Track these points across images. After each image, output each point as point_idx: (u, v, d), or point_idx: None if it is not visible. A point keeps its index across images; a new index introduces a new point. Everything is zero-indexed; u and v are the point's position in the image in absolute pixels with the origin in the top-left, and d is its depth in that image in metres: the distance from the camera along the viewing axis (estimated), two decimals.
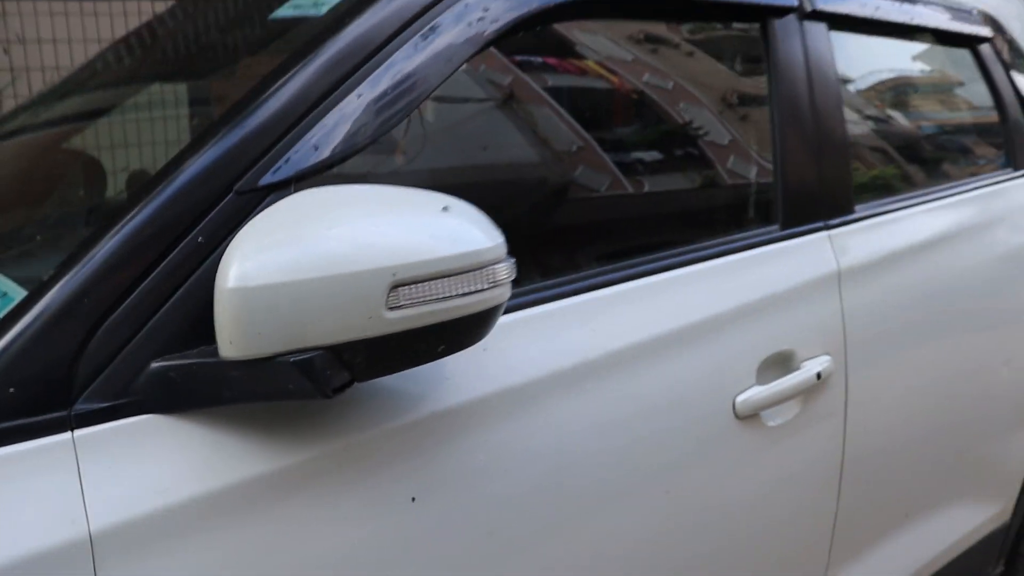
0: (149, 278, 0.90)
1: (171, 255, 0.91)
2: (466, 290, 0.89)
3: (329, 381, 0.84)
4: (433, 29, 1.07)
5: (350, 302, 0.84)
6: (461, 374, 1.05)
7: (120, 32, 3.77)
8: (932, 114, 2.10)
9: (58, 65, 3.71)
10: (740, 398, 1.29)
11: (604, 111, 1.57)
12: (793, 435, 1.39)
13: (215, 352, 0.86)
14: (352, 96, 1.02)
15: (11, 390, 0.83)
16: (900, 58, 1.96)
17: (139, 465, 0.86)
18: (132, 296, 0.89)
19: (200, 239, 0.92)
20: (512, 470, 1.06)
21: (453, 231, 0.90)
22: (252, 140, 0.98)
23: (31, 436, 0.83)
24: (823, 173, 1.51)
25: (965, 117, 2.16)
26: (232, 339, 0.84)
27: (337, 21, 1.06)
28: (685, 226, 1.47)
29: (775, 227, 1.45)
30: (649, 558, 1.22)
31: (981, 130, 2.12)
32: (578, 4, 1.24)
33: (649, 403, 1.19)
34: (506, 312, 1.09)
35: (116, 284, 0.89)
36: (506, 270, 0.93)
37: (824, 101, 1.53)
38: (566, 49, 1.44)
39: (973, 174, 1.96)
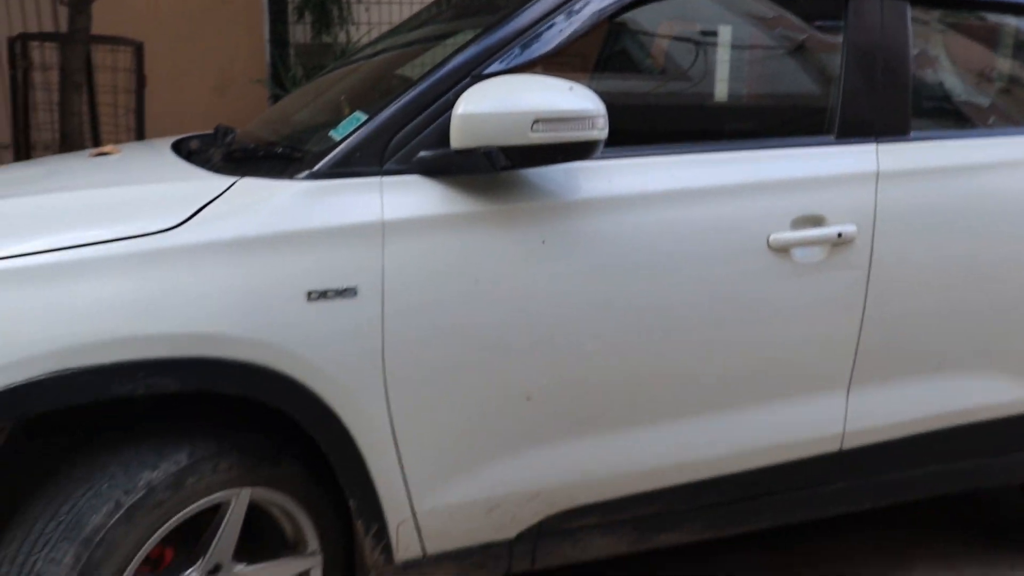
0: (424, 112, 1.82)
1: (437, 102, 1.83)
2: (574, 129, 1.73)
3: (499, 162, 1.72)
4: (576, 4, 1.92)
5: (512, 126, 1.71)
6: (584, 185, 1.89)
7: None
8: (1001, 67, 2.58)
9: (391, 20, 4.93)
10: (773, 236, 2.01)
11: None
12: (818, 273, 2.06)
13: (448, 148, 1.77)
14: (536, 29, 1.89)
15: (357, 154, 1.79)
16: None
17: (409, 197, 1.79)
18: (415, 120, 1.82)
19: (450, 96, 1.83)
20: (606, 239, 1.88)
21: (571, 98, 1.74)
22: (483, 52, 1.88)
23: (363, 176, 1.78)
24: (878, 102, 2.14)
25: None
26: (458, 139, 1.74)
27: None
28: (770, 126, 2.19)
29: (831, 136, 2.13)
30: (686, 330, 1.98)
31: None
32: None
33: (705, 224, 1.96)
34: (619, 158, 1.92)
35: (409, 114, 1.82)
36: (602, 122, 1.75)
37: (891, 48, 2.15)
38: None
39: None
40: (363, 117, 1.90)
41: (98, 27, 3.79)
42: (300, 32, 4.91)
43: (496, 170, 1.74)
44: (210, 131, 2.63)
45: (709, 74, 2.32)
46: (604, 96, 1.80)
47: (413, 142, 1.82)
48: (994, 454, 2.43)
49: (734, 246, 1.99)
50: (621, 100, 1.85)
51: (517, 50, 1.88)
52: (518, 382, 1.88)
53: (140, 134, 3.96)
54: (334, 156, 1.80)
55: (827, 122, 2.16)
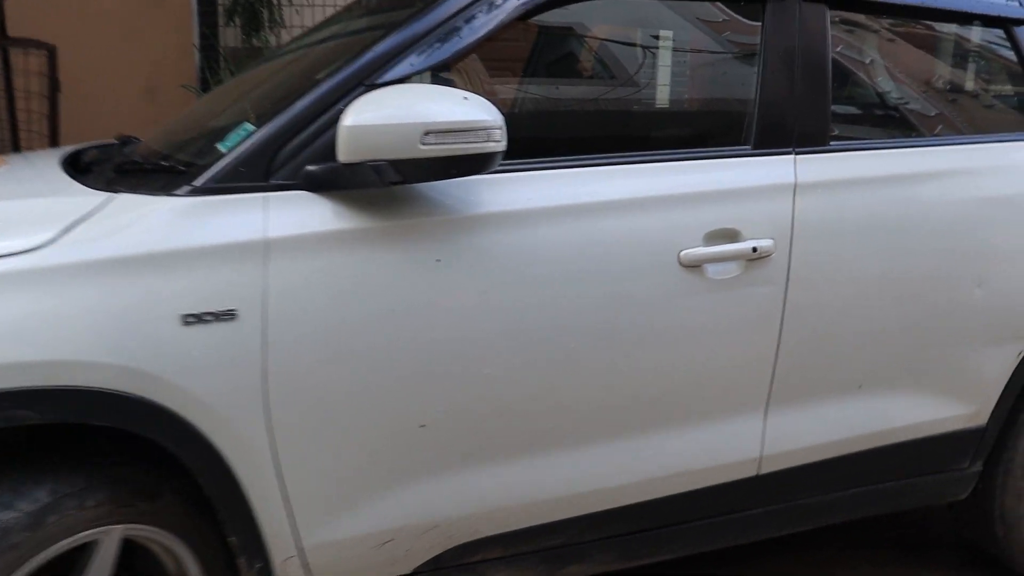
0: (313, 123, 1.72)
1: (326, 113, 1.72)
2: (468, 140, 1.64)
3: (388, 176, 1.62)
4: (482, 7, 1.82)
5: (401, 138, 1.61)
6: (484, 199, 1.79)
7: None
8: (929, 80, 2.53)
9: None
10: (684, 252, 1.93)
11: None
12: (732, 290, 1.99)
13: (336, 161, 1.67)
14: (427, 40, 1.79)
15: (242, 169, 1.68)
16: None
17: (295, 213, 1.68)
18: (303, 132, 1.71)
19: (340, 107, 1.73)
20: (505, 256, 1.79)
21: (465, 109, 1.65)
22: (374, 61, 1.78)
23: (247, 191, 1.67)
24: (797, 110, 2.07)
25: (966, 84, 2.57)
26: (344, 152, 1.64)
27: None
28: (684, 136, 2.11)
29: (748, 147, 2.06)
30: (593, 350, 1.89)
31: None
32: None
33: (612, 238, 1.87)
34: (522, 171, 1.83)
35: (297, 125, 1.72)
36: (499, 133, 1.66)
37: (810, 54, 2.08)
38: None
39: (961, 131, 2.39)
40: (252, 128, 1.80)
41: (17, 29, 3.64)
42: (230, 36, 4.78)
43: (384, 184, 1.65)
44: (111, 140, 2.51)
45: (620, 80, 2.24)
46: (502, 105, 1.71)
47: (300, 156, 1.71)
48: (919, 474, 2.38)
49: (643, 262, 1.91)
50: (524, 108, 1.76)
51: (413, 57, 1.78)
52: (411, 409, 1.78)
53: (54, 141, 3.81)
54: (216, 170, 1.69)
55: (744, 131, 2.09)
